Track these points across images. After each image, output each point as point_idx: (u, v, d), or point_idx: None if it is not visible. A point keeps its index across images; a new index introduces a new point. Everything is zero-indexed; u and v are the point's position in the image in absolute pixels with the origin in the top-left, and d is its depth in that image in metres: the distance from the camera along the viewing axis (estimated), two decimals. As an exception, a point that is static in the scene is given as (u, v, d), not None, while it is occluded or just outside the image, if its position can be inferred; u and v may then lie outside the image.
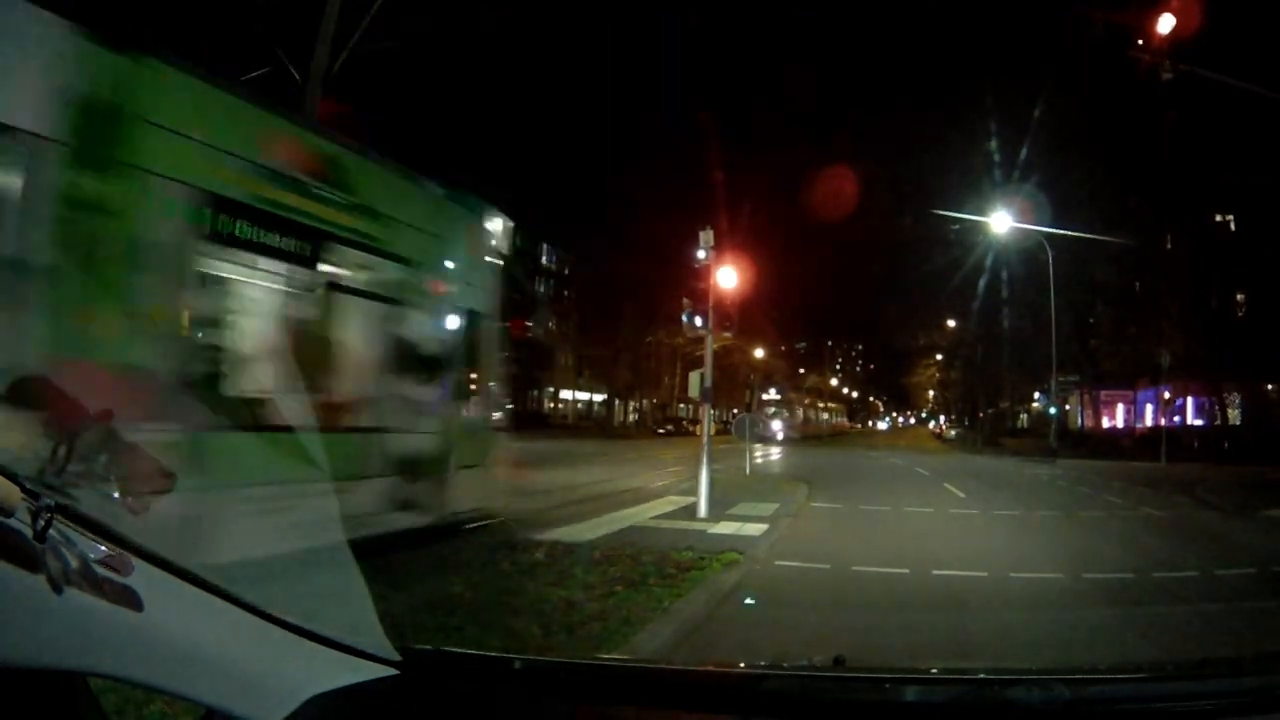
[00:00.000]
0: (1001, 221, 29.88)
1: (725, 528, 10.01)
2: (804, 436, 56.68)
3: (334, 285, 7.03)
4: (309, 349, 6.79)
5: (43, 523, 0.89)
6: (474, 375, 9.12)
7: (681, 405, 62.83)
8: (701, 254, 12.11)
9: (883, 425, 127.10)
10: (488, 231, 9.30)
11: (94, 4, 4.93)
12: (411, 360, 7.82)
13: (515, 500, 9.47)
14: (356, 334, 7.45)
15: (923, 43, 78.20)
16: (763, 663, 2.80)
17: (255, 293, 6.42)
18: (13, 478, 0.88)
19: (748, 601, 6.43)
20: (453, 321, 8.73)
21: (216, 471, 5.10)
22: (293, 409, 5.48)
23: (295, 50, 12.05)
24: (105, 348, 4.82)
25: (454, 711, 1.38)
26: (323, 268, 6.80)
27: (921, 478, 21.08)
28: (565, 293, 59.80)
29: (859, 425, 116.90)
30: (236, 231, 5.86)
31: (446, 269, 8.61)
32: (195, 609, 1.11)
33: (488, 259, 9.32)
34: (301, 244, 6.47)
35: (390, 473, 7.22)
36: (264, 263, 6.31)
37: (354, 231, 7.01)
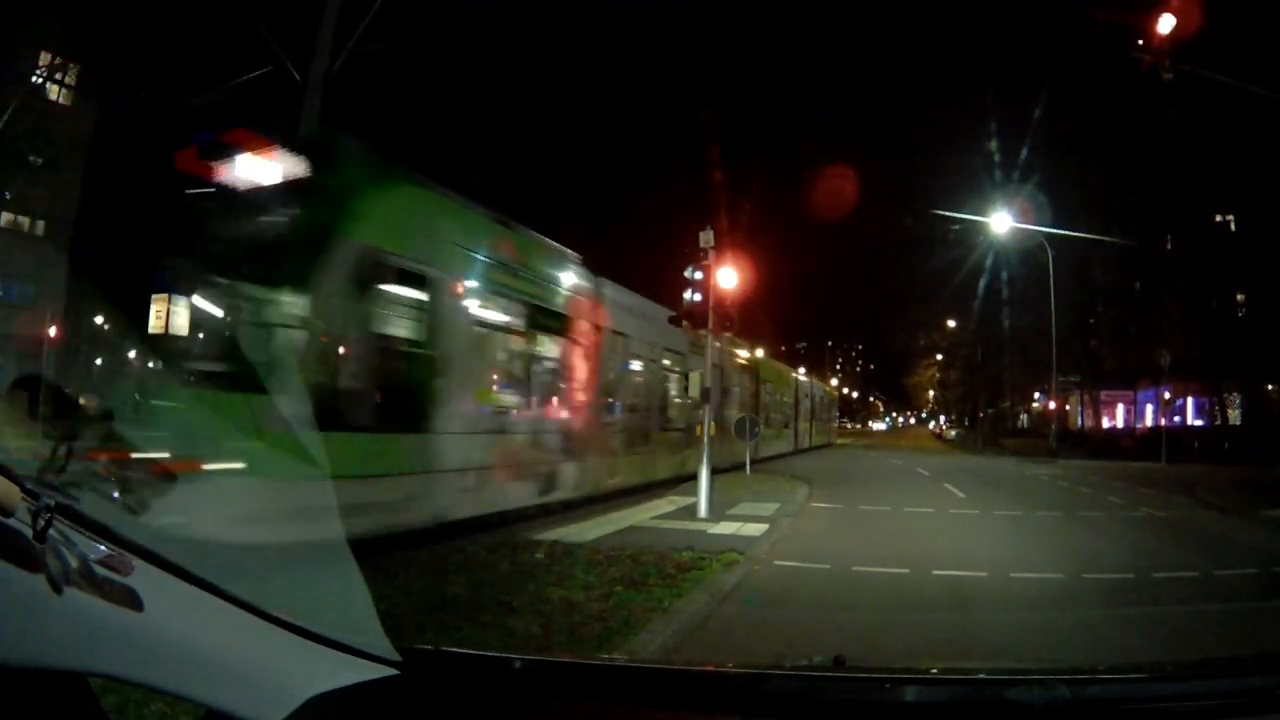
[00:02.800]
0: (1001, 221, 29.87)
1: (725, 528, 10.02)
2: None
3: None
4: None
5: (43, 523, 0.89)
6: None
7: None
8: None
9: (882, 426, 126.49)
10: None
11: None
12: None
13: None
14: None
15: (923, 43, 78.21)
16: (763, 663, 2.79)
17: None
18: (13, 478, 0.87)
19: (748, 602, 6.42)
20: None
21: None
22: None
23: (294, 50, 12.04)
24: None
25: (454, 711, 1.38)
26: None
27: (921, 478, 21.08)
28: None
29: (858, 425, 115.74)
30: None
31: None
32: (195, 609, 1.11)
33: None
34: None
35: None
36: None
37: None
